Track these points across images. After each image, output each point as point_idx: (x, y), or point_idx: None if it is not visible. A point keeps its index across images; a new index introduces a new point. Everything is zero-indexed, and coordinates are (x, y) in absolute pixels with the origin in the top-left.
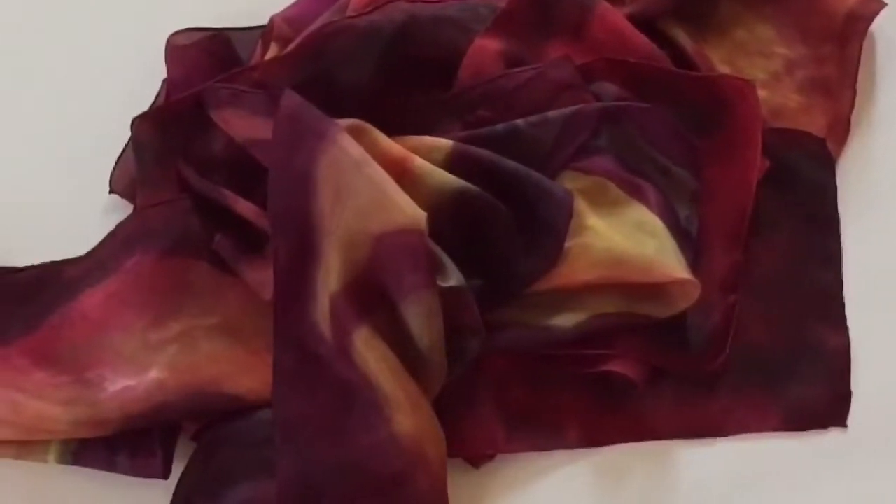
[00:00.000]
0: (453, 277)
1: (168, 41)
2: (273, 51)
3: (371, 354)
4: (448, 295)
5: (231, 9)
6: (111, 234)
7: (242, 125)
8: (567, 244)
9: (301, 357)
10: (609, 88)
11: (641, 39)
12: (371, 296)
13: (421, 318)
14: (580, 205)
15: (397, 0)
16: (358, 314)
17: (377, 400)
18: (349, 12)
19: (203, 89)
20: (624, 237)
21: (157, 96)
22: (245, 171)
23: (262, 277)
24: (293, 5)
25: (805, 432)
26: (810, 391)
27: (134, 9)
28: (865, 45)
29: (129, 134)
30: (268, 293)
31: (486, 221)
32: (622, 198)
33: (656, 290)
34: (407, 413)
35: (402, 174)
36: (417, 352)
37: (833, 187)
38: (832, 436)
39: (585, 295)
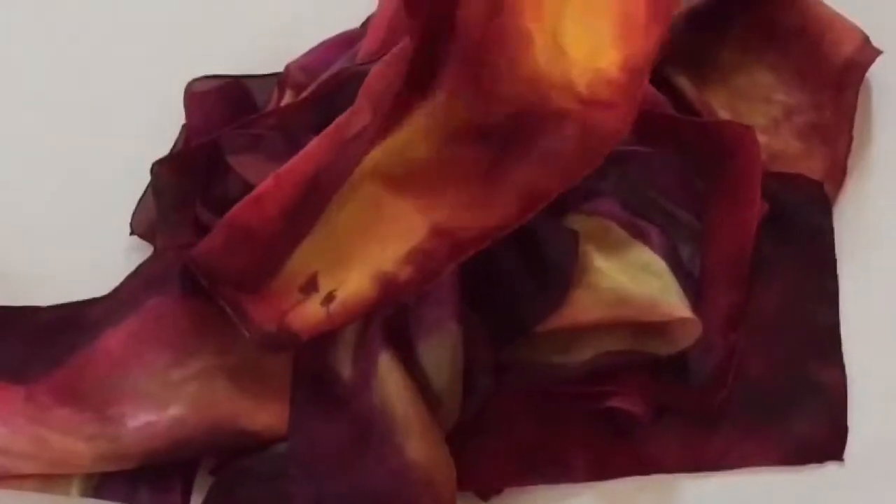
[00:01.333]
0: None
1: (187, 88)
2: (288, 97)
3: (391, 377)
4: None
5: (248, 57)
6: (132, 275)
7: (259, 170)
8: (573, 285)
9: (319, 390)
10: None
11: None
12: (395, 326)
13: (444, 354)
14: (585, 246)
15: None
16: (384, 340)
17: (392, 427)
18: (359, 59)
19: (221, 135)
20: (628, 278)
21: (177, 141)
22: None
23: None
24: (308, 54)
25: (804, 466)
26: (809, 426)
27: (154, 56)
28: (862, 90)
29: (149, 178)
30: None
31: (493, 262)
32: (626, 239)
33: (660, 328)
34: (419, 440)
35: None
36: (430, 392)
37: (830, 229)
38: (830, 470)
39: (591, 334)
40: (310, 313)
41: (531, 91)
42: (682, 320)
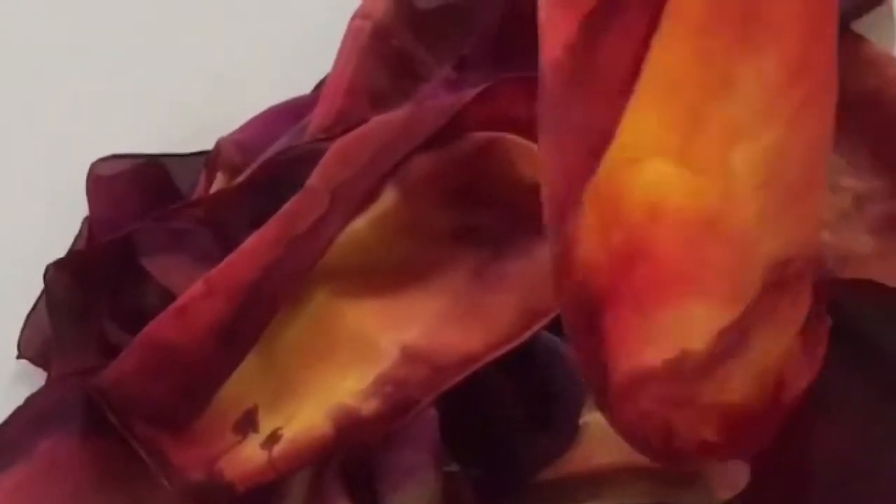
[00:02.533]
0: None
1: (90, 170)
2: (220, 182)
3: None
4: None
5: (168, 131)
6: (19, 410)
7: (183, 274)
8: (583, 419)
9: None
10: None
11: None
12: (357, 474)
13: None
14: None
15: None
16: (343, 492)
17: None
18: (309, 134)
19: (133, 230)
20: None
21: (77, 239)
22: None
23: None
24: (244, 127)
25: None
26: None
27: (47, 130)
28: None
29: (41, 286)
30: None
31: (481, 392)
32: None
33: (695, 473)
34: None
35: None
36: None
37: None
38: None
39: (606, 482)
40: (247, 458)
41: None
42: (723, 464)
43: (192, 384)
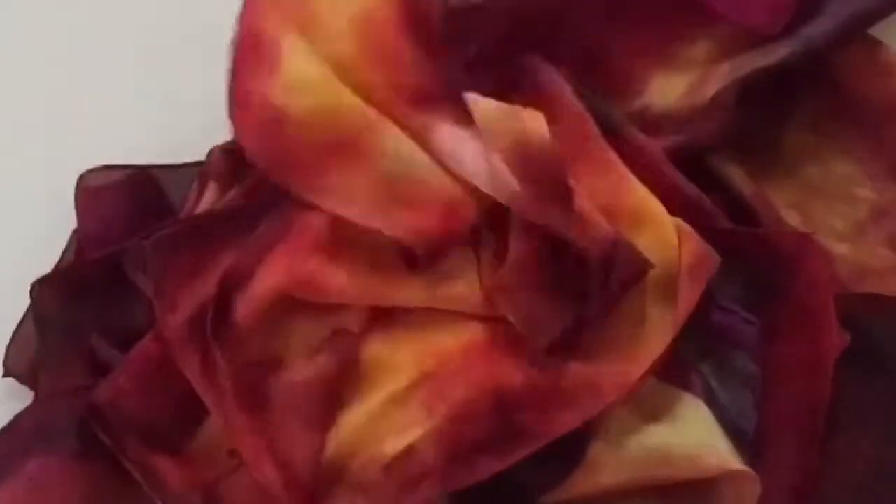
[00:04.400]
0: None
1: (78, 182)
2: (212, 191)
3: None
4: None
5: (159, 140)
6: (5, 429)
7: None
8: (591, 439)
9: None
10: None
11: (682, 181)
12: None
13: None
14: None
15: None
16: None
17: None
18: None
19: (124, 246)
20: (661, 426)
21: (65, 253)
22: None
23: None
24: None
25: None
26: None
27: (33, 139)
28: None
29: (28, 301)
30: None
31: None
32: (657, 384)
33: (703, 490)
34: None
35: None
36: None
37: None
38: None
39: (616, 503)
40: (250, 483)
41: None
42: (734, 478)
43: (186, 402)
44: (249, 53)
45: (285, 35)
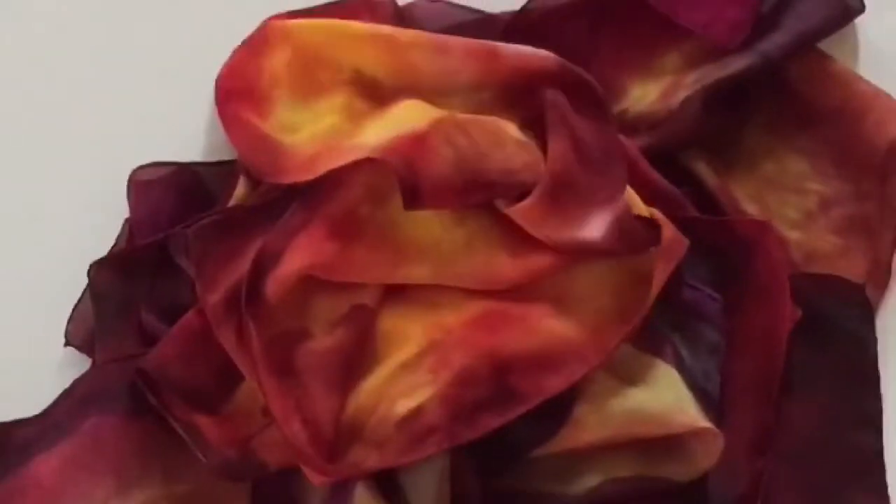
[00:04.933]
0: None
1: (131, 177)
2: (242, 185)
3: None
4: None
5: (201, 140)
6: (66, 392)
7: None
8: (575, 400)
9: None
10: None
11: (655, 176)
12: None
13: (429, 481)
14: None
15: None
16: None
17: None
18: None
19: (169, 233)
20: (639, 390)
21: (118, 239)
22: None
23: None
24: None
25: None
26: None
27: (91, 140)
28: None
29: (86, 281)
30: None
31: None
32: (633, 352)
33: (675, 445)
34: None
35: None
36: None
37: (873, 339)
38: None
39: (597, 457)
40: (279, 440)
41: None
42: (701, 435)
43: (224, 369)
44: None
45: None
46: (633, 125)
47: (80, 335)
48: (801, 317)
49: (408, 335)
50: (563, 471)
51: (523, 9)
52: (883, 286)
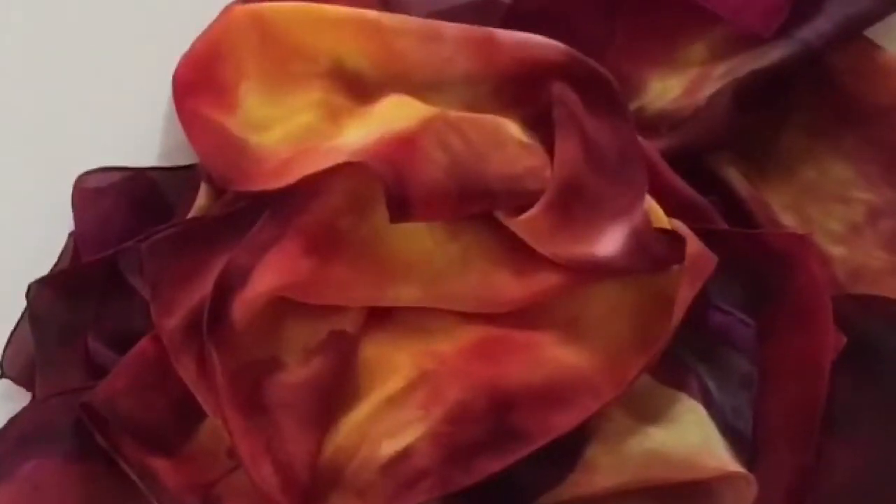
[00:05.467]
0: None
1: (75, 183)
2: (204, 193)
3: None
4: None
5: (156, 142)
6: (2, 432)
7: None
8: (588, 441)
9: None
10: None
11: (678, 183)
12: None
13: None
14: None
15: None
16: None
17: None
18: None
19: (120, 248)
20: (660, 429)
21: (61, 255)
22: None
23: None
24: None
25: None
26: None
27: (31, 141)
28: None
29: (24, 303)
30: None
31: None
32: (655, 385)
33: (701, 492)
34: None
35: None
36: None
37: None
38: None
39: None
40: (246, 485)
41: None
42: (732, 480)
43: (183, 404)
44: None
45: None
46: (653, 124)
47: (17, 365)
48: (846, 344)
49: (394, 365)
50: None
51: None
52: None
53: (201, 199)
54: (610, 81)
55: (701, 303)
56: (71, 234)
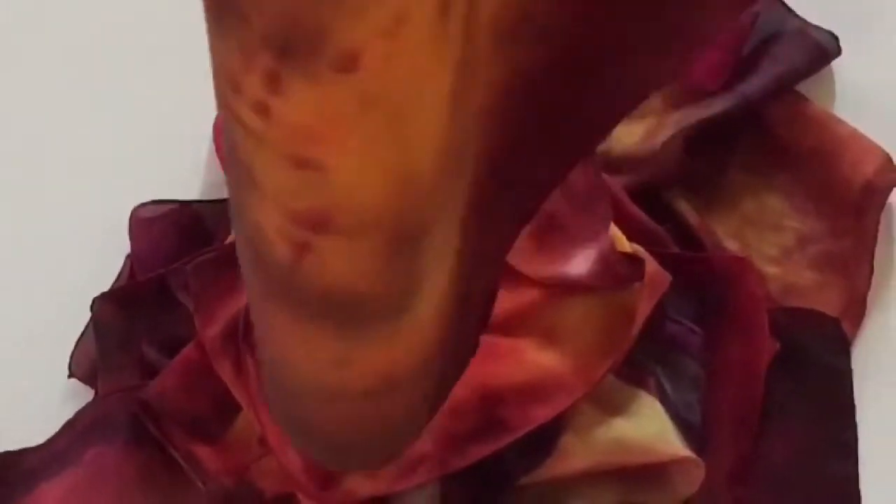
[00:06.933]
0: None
1: (132, 214)
2: None
3: None
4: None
5: (199, 180)
6: (69, 423)
7: None
8: (562, 430)
9: None
10: None
11: (639, 214)
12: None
13: None
14: None
15: None
16: None
17: None
18: None
19: (169, 270)
20: (623, 420)
21: (120, 274)
22: None
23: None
24: None
25: None
26: None
27: (95, 179)
28: (883, 216)
29: (89, 315)
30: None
31: None
32: (618, 384)
33: (657, 474)
34: None
35: None
36: None
37: (848, 372)
38: None
39: (582, 485)
40: (275, 468)
41: None
42: (683, 464)
43: (222, 400)
44: None
45: None
46: (617, 164)
47: (83, 367)
48: (779, 350)
49: None
50: (549, 498)
51: None
52: (858, 320)
53: None
54: None
55: (658, 315)
56: (128, 257)
